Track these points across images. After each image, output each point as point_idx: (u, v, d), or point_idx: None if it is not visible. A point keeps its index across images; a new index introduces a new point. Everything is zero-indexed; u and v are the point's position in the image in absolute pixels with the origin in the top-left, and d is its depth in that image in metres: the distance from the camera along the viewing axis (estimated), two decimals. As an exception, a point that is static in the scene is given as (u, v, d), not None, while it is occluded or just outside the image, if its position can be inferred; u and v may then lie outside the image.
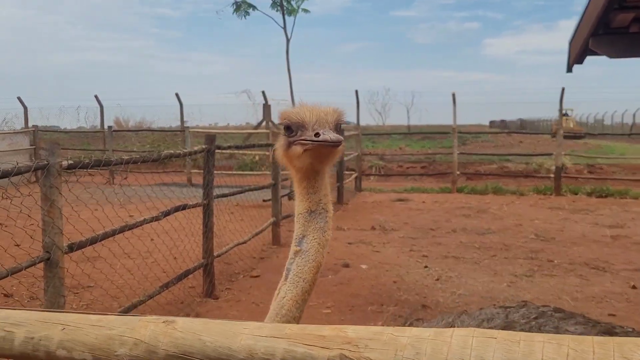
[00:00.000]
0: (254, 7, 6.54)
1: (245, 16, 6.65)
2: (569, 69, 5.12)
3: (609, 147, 26.39)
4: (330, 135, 1.56)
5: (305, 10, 6.65)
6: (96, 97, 19.32)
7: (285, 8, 6.59)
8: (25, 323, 1.09)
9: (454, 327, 1.79)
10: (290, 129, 1.67)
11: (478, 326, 1.71)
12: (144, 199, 7.34)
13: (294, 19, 6.74)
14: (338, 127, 1.67)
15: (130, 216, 7.45)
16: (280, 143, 1.73)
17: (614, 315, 5.87)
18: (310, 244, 1.66)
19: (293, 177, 1.78)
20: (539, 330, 1.64)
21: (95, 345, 1.04)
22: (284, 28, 6.37)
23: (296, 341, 0.99)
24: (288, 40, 6.39)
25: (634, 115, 38.34)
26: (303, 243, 1.67)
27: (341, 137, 1.58)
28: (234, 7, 6.51)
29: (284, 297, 1.63)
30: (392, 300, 6.33)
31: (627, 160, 19.55)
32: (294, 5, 6.60)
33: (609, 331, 1.69)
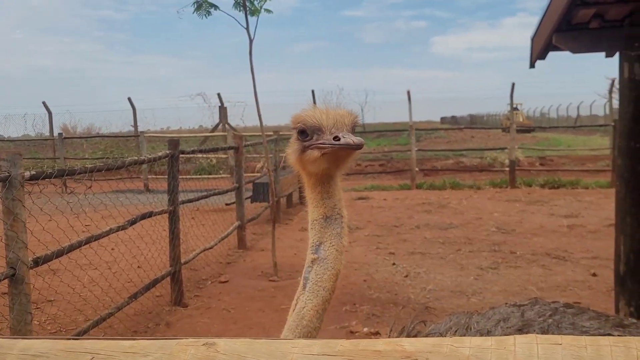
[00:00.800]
0: (216, 7, 6.43)
1: (206, 16, 6.54)
2: (532, 65, 5.24)
3: (556, 140, 27.32)
4: (352, 138, 1.53)
5: (268, 11, 6.61)
6: (44, 103, 18.59)
7: (248, 8, 6.50)
8: (49, 354, 1.00)
9: (470, 329, 1.78)
10: (305, 133, 1.63)
11: (495, 327, 1.71)
12: (101, 208, 7.08)
13: (257, 20, 6.71)
14: (353, 130, 1.64)
15: (88, 225, 7.19)
16: (293, 148, 1.69)
17: (579, 302, 6.04)
18: (328, 250, 1.62)
19: (305, 182, 1.74)
20: (558, 327, 1.65)
21: (130, 374, 0.97)
22: (247, 28, 6.29)
23: (351, 358, 0.94)
24: (251, 41, 6.33)
25: (577, 108, 39.85)
26: (320, 250, 1.63)
27: (363, 140, 1.54)
28: (195, 6, 6.36)
29: (303, 308, 1.57)
30: (364, 299, 6.33)
31: (575, 152, 20.28)
32: (257, 5, 6.52)
33: (620, 324, 1.72)
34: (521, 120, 35.88)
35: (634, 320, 1.81)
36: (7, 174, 3.71)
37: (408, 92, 17.32)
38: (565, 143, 24.75)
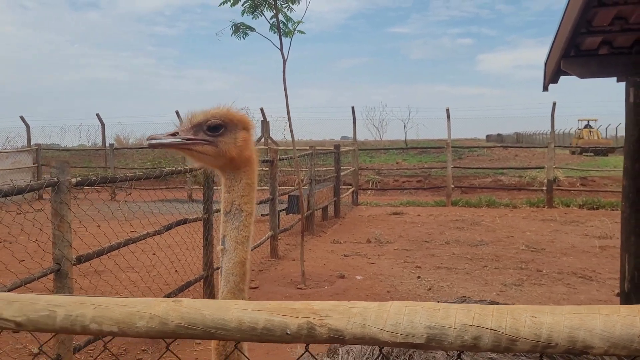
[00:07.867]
0: (252, 29, 6.88)
1: (244, 37, 7.01)
2: (545, 88, 5.45)
3: (603, 160, 26.68)
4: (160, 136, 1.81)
5: (301, 32, 7.05)
6: (98, 115, 19.74)
7: (282, 31, 6.92)
8: (65, 304, 1.39)
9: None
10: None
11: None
12: (147, 215, 7.63)
13: (290, 41, 7.12)
14: (210, 128, 1.85)
15: (133, 231, 7.77)
16: None
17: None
18: (229, 243, 1.85)
19: None
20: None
21: (120, 319, 1.35)
22: (281, 49, 6.69)
23: (274, 313, 1.30)
24: (284, 61, 6.74)
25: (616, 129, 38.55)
26: (225, 242, 1.87)
27: (158, 140, 1.79)
28: (233, 29, 6.81)
29: (222, 292, 1.86)
30: (384, 309, 6.60)
31: (619, 173, 19.84)
32: (290, 28, 6.95)
33: None
34: (597, 138, 32.14)
35: None
36: (56, 179, 4.22)
37: (447, 110, 17.49)
38: (612, 164, 24.18)
